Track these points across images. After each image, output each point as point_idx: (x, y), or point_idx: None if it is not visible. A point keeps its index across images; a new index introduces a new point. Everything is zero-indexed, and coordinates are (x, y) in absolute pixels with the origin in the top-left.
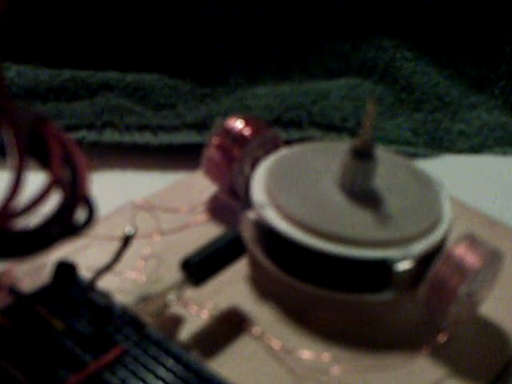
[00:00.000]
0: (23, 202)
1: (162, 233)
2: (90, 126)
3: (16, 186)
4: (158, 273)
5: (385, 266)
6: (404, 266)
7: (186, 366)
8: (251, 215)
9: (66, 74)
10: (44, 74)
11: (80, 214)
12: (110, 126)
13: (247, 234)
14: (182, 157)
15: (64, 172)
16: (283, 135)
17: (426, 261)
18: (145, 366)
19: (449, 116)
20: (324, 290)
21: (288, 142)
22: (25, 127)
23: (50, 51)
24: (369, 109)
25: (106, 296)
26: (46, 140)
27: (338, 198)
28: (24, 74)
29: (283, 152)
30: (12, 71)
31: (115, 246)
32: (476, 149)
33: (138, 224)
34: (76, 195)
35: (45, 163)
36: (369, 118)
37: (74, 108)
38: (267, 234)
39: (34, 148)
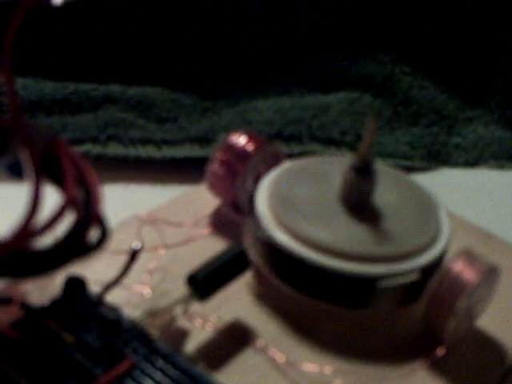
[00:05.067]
0: (39, 222)
1: (167, 246)
2: (95, 140)
3: (34, 206)
4: (163, 286)
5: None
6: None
7: (193, 378)
8: (255, 231)
9: (70, 87)
10: (48, 87)
11: (93, 233)
12: (115, 139)
13: (251, 247)
14: (185, 170)
15: (77, 192)
16: (284, 149)
17: (424, 276)
18: (152, 379)
19: (445, 130)
20: (326, 303)
21: (289, 156)
22: (39, 147)
23: (55, 64)
24: (369, 125)
25: (114, 310)
26: (59, 160)
27: (337, 213)
28: (28, 87)
29: (285, 166)
30: (16, 84)
31: (121, 259)
32: (472, 162)
33: (144, 238)
34: (89, 215)
35: (59, 183)
36: (369, 135)
37: (78, 121)
38: (270, 249)
39: (48, 168)
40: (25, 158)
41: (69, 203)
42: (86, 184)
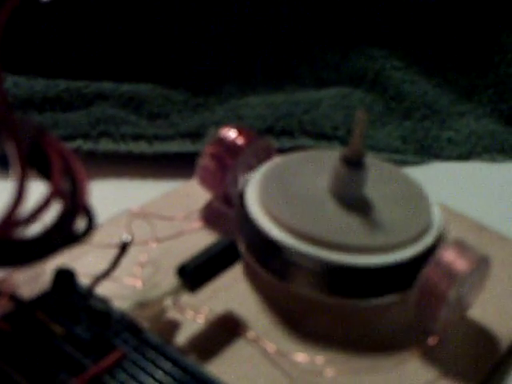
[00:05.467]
0: (25, 211)
1: (158, 240)
2: (86, 136)
3: (18, 197)
4: (154, 279)
5: (374, 271)
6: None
7: (184, 369)
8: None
9: (62, 84)
10: (39, 85)
11: (80, 223)
12: (106, 135)
13: (241, 240)
14: (177, 166)
15: (64, 182)
16: (275, 144)
17: (416, 266)
18: (144, 370)
19: (438, 124)
20: (317, 294)
21: (280, 151)
22: (26, 139)
23: (46, 62)
24: (359, 118)
25: (104, 301)
26: (46, 151)
27: (328, 205)
28: (20, 85)
29: (276, 160)
30: (8, 82)
31: (112, 253)
32: (465, 156)
33: (134, 231)
34: (76, 205)
35: (45, 174)
36: (359, 128)
37: (70, 118)
38: (260, 242)
39: (35, 159)
40: (11, 150)
41: (55, 193)
42: (72, 175)
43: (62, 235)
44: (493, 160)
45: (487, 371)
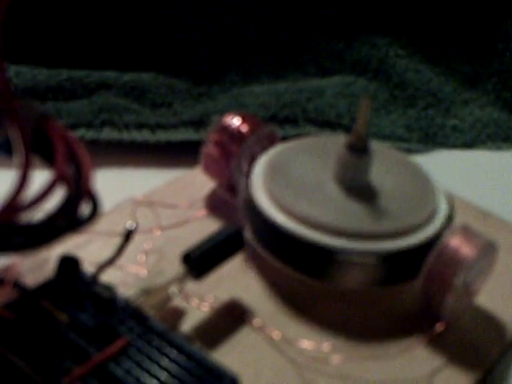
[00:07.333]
0: (29, 197)
1: (162, 228)
2: (89, 125)
3: (22, 182)
4: (159, 267)
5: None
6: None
7: (189, 356)
8: (250, 210)
9: (64, 73)
10: (42, 74)
11: (84, 209)
12: (109, 124)
13: (246, 227)
14: (181, 154)
15: (68, 168)
16: (279, 132)
17: (422, 253)
18: (149, 357)
19: (442, 112)
20: (322, 281)
21: (284, 139)
22: (29, 125)
23: (48, 51)
24: (363, 104)
25: (109, 288)
26: (50, 137)
27: (333, 192)
28: (22, 74)
29: (280, 147)
30: (10, 71)
31: (116, 241)
32: (469, 144)
33: (139, 220)
34: (80, 190)
35: (49, 160)
36: (363, 113)
37: (73, 107)
38: (264, 227)
39: (39, 145)
40: (14, 136)
41: (59, 178)
42: (76, 160)
43: (67, 220)
44: (497, 148)
45: (494, 358)
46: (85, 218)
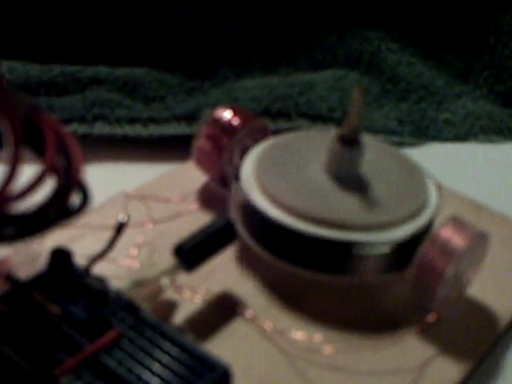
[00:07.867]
0: (19, 188)
1: (155, 221)
2: (82, 120)
3: (12, 173)
4: (151, 259)
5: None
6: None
7: (181, 347)
8: (241, 202)
9: (57, 69)
10: (34, 70)
11: (75, 199)
12: (101, 118)
13: (237, 219)
14: (173, 148)
15: (58, 159)
16: (271, 126)
17: (413, 244)
18: (141, 348)
19: (434, 105)
20: (314, 272)
21: (276, 133)
22: (19, 116)
23: (41, 47)
24: (355, 96)
25: (101, 280)
26: (39, 129)
27: (325, 184)
28: (15, 70)
29: (271, 140)
30: (3, 67)
31: (109, 235)
32: (461, 137)
33: (131, 213)
34: (70, 180)
35: (39, 151)
36: (355, 105)
37: (65, 102)
38: (257, 220)
39: (29, 137)
40: (5, 127)
41: (49, 169)
42: (66, 151)
43: (58, 210)
44: (489, 141)
45: (485, 348)
46: (75, 209)
